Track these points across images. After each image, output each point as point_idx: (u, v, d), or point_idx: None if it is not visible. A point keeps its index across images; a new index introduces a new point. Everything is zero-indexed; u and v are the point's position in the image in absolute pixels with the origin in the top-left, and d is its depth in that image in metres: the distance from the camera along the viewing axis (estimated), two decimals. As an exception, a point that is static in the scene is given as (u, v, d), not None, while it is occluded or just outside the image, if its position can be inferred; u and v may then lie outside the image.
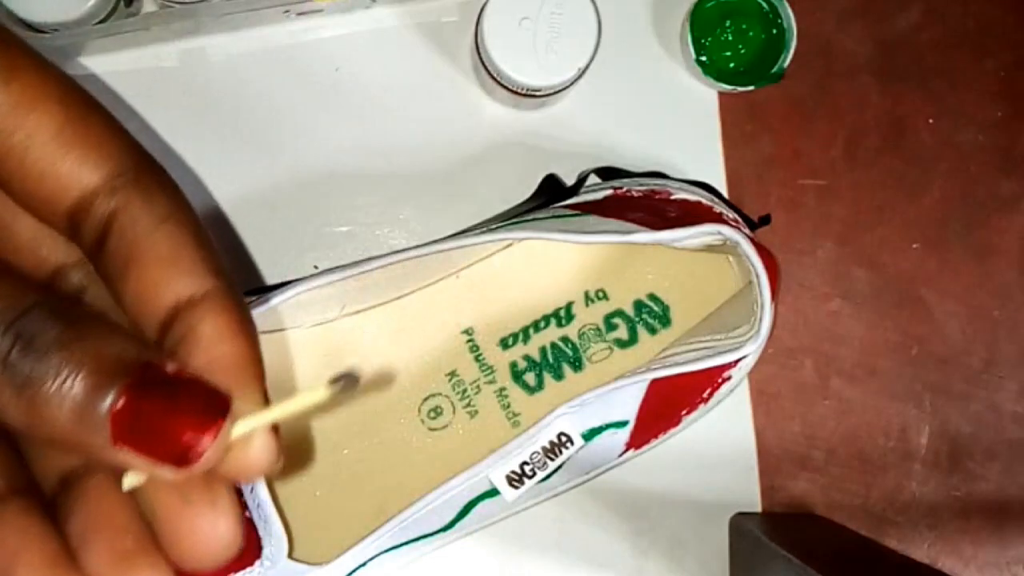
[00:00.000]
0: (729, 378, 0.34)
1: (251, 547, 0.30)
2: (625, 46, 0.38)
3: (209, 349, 0.17)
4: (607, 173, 0.36)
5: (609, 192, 0.35)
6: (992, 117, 0.39)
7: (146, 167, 0.18)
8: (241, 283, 0.35)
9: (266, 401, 0.18)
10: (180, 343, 0.17)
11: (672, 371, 0.32)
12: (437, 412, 0.35)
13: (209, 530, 0.17)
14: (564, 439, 0.32)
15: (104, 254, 0.18)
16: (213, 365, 0.17)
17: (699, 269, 0.36)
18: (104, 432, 0.16)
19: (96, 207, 0.18)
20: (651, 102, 0.38)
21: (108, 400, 0.16)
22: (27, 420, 0.16)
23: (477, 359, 0.35)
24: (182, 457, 0.16)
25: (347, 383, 0.17)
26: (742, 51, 0.37)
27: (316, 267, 0.37)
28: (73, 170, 0.18)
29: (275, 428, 0.17)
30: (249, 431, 0.17)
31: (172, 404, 0.16)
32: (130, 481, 0.17)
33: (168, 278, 0.17)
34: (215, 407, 0.16)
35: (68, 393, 0.16)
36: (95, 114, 0.18)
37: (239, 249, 0.37)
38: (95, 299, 0.19)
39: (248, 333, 0.18)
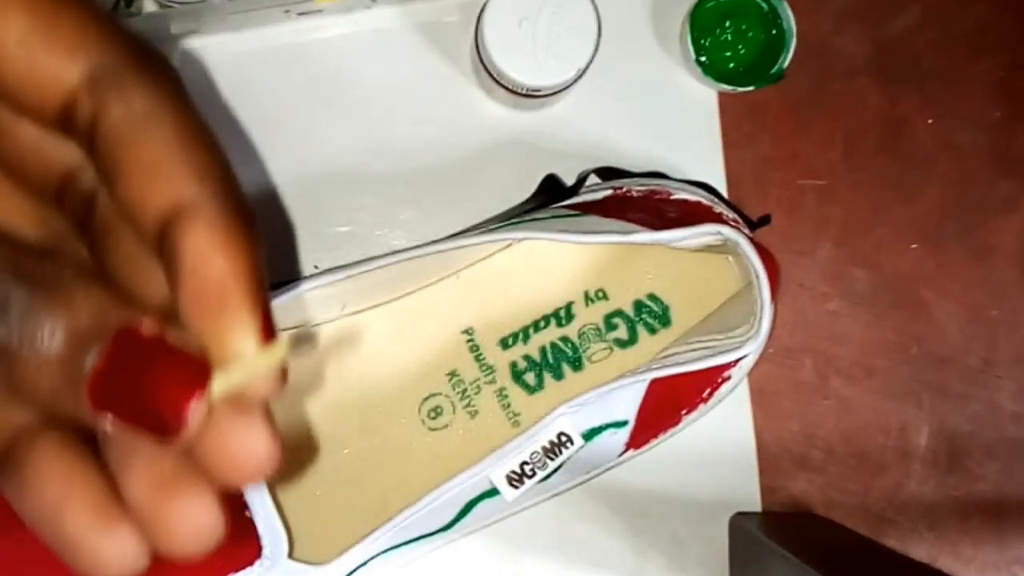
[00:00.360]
0: (729, 378, 0.34)
1: (251, 547, 0.30)
2: (625, 46, 0.38)
3: (192, 270, 0.16)
4: (607, 173, 0.36)
5: (609, 192, 0.35)
6: (990, 118, 0.39)
7: (132, 62, 0.17)
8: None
9: (266, 322, 0.16)
10: (169, 263, 0.16)
11: (672, 371, 0.32)
12: (437, 412, 0.35)
13: (244, 450, 0.16)
14: (564, 439, 0.32)
15: (95, 159, 0.17)
16: (198, 289, 0.16)
17: (699, 269, 0.36)
18: (83, 400, 0.15)
19: (80, 108, 0.17)
20: (651, 102, 0.38)
21: (85, 367, 0.15)
22: (6, 387, 0.15)
23: (477, 359, 0.35)
24: (163, 427, 0.15)
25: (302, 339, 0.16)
26: (742, 51, 0.37)
27: (316, 267, 0.37)
28: (49, 69, 0.16)
29: (283, 371, 0.16)
30: (239, 380, 0.16)
31: (149, 372, 0.15)
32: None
33: (149, 186, 0.16)
34: (195, 374, 0.15)
35: (43, 361, 0.15)
36: (68, 10, 0.17)
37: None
38: (105, 206, 0.18)
39: (239, 246, 0.16)
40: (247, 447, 0.16)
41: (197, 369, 0.16)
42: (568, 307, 0.36)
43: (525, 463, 0.32)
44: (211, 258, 0.16)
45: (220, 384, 0.16)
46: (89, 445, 0.17)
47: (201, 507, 0.17)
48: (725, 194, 0.38)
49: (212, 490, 0.17)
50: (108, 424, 0.15)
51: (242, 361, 0.16)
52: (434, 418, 0.35)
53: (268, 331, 0.16)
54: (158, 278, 0.17)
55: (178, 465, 0.17)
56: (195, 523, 0.17)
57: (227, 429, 0.16)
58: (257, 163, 0.37)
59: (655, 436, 0.34)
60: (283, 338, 0.16)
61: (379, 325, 0.35)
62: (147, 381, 0.15)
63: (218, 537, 0.17)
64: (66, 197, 0.19)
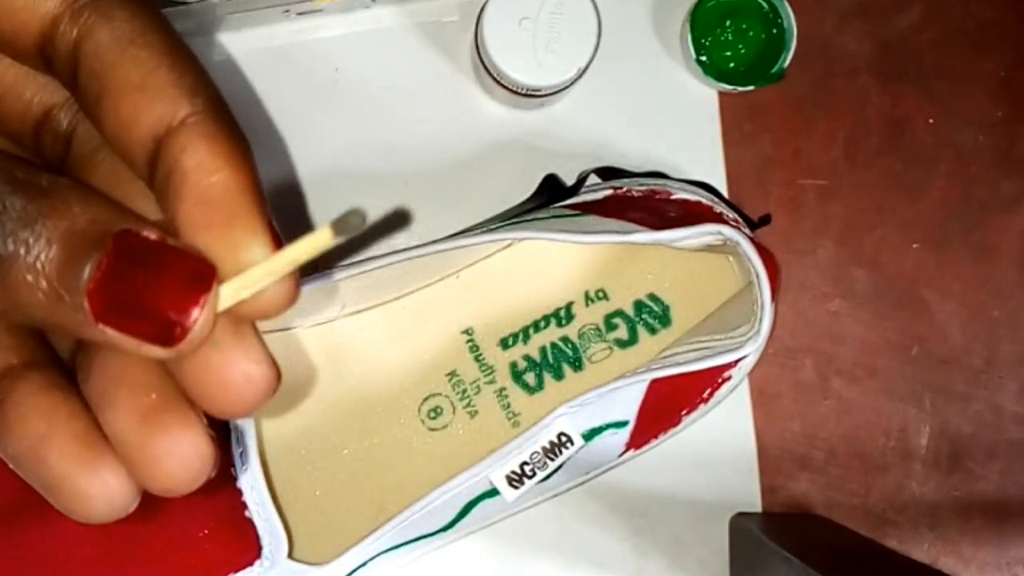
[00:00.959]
0: (729, 378, 0.34)
1: (251, 547, 0.30)
2: (625, 46, 0.38)
3: (195, 183, 0.15)
4: (607, 173, 0.36)
5: (609, 192, 0.35)
6: (992, 117, 0.39)
7: None
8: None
9: (272, 234, 0.16)
10: (167, 182, 0.16)
11: (672, 371, 0.32)
12: (437, 412, 0.35)
13: (242, 375, 0.16)
14: (564, 439, 0.32)
15: (78, 88, 0.16)
16: (202, 201, 0.15)
17: (699, 269, 0.36)
18: (83, 310, 0.15)
19: (60, 36, 0.16)
20: (651, 102, 0.38)
21: (84, 276, 0.14)
22: (3, 303, 0.15)
23: (477, 359, 0.35)
24: (167, 335, 0.15)
25: (353, 222, 0.15)
26: (742, 51, 0.37)
27: (316, 267, 0.37)
28: None
29: (294, 284, 0.16)
30: (249, 290, 0.15)
31: (153, 277, 0.15)
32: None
33: (141, 107, 0.16)
34: (200, 277, 0.15)
35: (41, 271, 0.14)
36: None
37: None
38: (84, 141, 0.18)
39: (238, 158, 0.16)
40: (244, 371, 0.16)
41: (202, 271, 0.15)
42: (568, 307, 0.36)
43: (525, 463, 0.32)
44: (214, 170, 0.15)
45: (228, 294, 0.15)
46: (71, 386, 0.17)
47: (189, 438, 0.16)
48: (725, 194, 0.38)
49: (200, 421, 0.16)
50: (108, 335, 0.15)
51: (252, 271, 0.15)
52: (434, 418, 0.35)
53: (276, 241, 0.16)
54: (141, 209, 0.17)
55: (164, 396, 0.16)
56: (182, 456, 0.16)
57: (225, 352, 0.16)
58: (256, 163, 0.37)
59: (655, 436, 0.34)
60: (292, 252, 0.16)
61: (379, 325, 0.35)
62: (150, 285, 0.15)
63: (207, 471, 0.16)
64: (42, 140, 0.18)
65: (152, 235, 0.15)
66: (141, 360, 0.16)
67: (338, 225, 0.16)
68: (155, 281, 0.15)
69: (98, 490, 0.16)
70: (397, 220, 0.37)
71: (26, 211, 0.15)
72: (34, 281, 0.15)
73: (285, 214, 0.37)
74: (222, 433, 0.29)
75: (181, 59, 0.16)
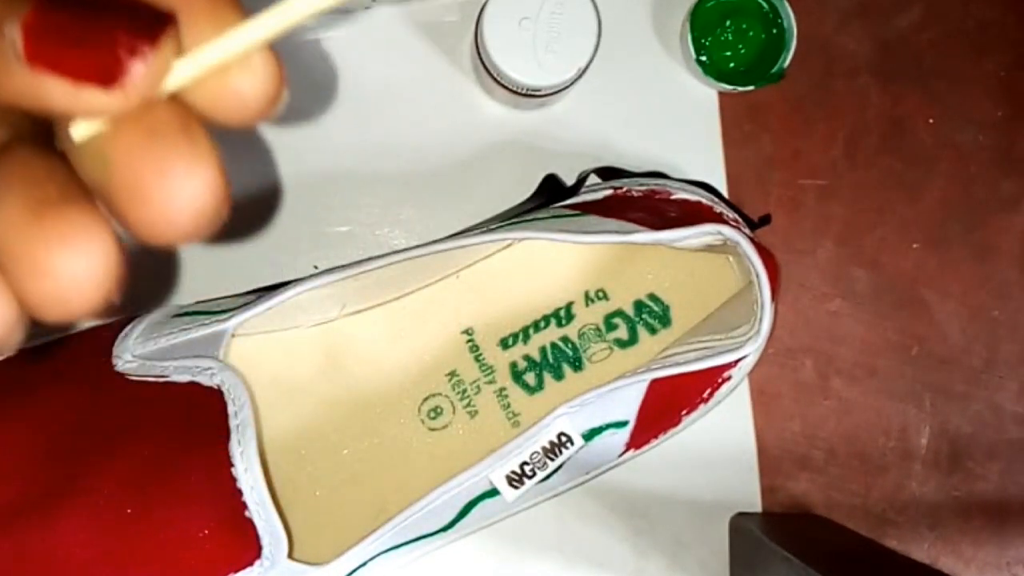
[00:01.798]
0: (729, 378, 0.34)
1: (251, 547, 0.30)
2: (625, 46, 0.38)
3: None
4: (607, 173, 0.36)
5: (609, 192, 0.35)
6: (992, 117, 0.39)
7: None
8: (241, 283, 0.35)
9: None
10: None
11: (672, 371, 0.32)
12: (437, 412, 0.35)
13: (182, 177, 0.13)
14: (564, 439, 0.32)
15: None
16: None
17: (699, 269, 0.36)
18: (17, 49, 0.12)
19: None
20: (651, 102, 0.38)
21: (20, 8, 0.12)
22: None
23: (477, 359, 0.35)
24: (108, 73, 0.12)
25: None
26: (742, 51, 0.37)
27: (316, 267, 0.37)
28: None
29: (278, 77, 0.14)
30: (220, 57, 0.13)
31: (100, 10, 0.13)
32: (81, 130, 0.13)
33: None
34: (154, 16, 0.13)
35: None
36: None
37: (239, 249, 0.37)
38: None
39: None
40: (185, 182, 0.13)
41: (160, 15, 0.13)
42: (568, 307, 0.36)
43: (525, 463, 0.32)
44: None
45: (186, 69, 0.13)
46: None
47: (89, 240, 0.13)
48: (725, 194, 0.38)
49: (107, 225, 0.13)
50: (43, 85, 0.13)
51: (217, 43, 0.13)
52: (434, 418, 0.35)
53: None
54: None
55: (65, 191, 0.13)
56: (79, 263, 0.13)
57: (163, 151, 0.13)
58: (256, 163, 0.37)
59: (655, 436, 0.34)
60: (267, 26, 0.13)
61: (379, 325, 0.35)
62: (95, 19, 0.12)
63: (108, 288, 0.13)
64: None
65: None
66: (47, 161, 0.14)
67: None
68: (99, 13, 0.13)
69: None
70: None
71: None
72: None
73: (285, 214, 0.37)
74: (221, 432, 0.29)
75: None
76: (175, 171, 0.13)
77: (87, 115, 0.13)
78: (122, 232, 0.14)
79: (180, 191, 0.13)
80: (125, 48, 0.12)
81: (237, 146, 0.37)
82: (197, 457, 0.29)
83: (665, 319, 0.36)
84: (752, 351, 0.32)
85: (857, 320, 0.39)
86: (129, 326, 0.33)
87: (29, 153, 0.14)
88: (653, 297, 0.36)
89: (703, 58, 0.37)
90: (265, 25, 0.13)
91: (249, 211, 0.37)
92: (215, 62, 0.13)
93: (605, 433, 0.33)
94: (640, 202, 0.34)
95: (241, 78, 0.14)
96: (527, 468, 0.32)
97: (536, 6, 0.33)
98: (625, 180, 0.36)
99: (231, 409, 0.29)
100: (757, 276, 0.31)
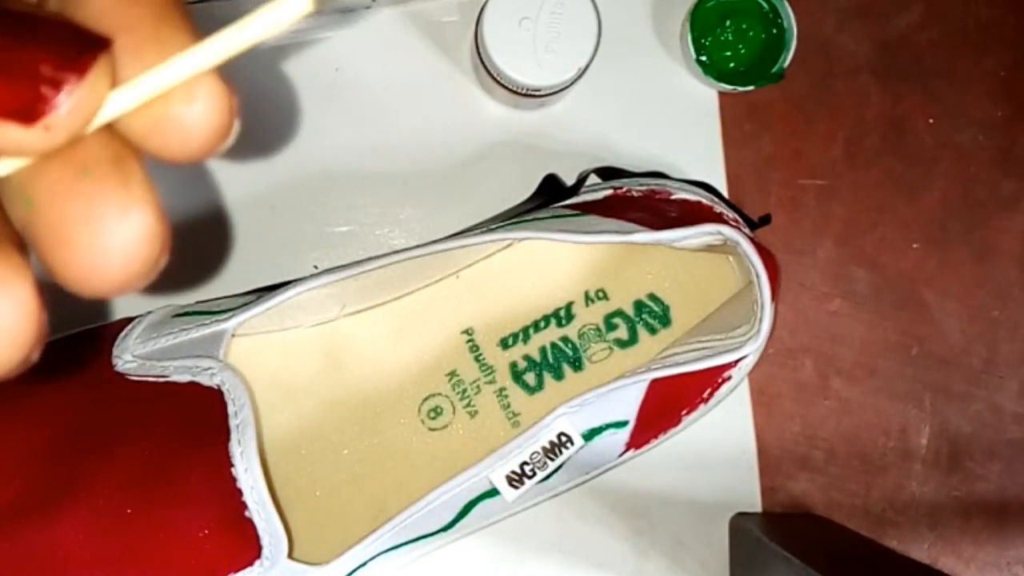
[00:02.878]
0: (729, 378, 0.34)
1: (251, 547, 0.30)
2: (625, 46, 0.38)
3: None
4: (607, 173, 0.36)
5: (609, 192, 0.35)
6: (992, 117, 0.39)
7: None
8: (241, 283, 0.35)
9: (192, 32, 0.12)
10: None
11: (672, 371, 0.32)
12: (437, 412, 0.35)
13: (112, 220, 0.12)
14: (564, 439, 0.32)
15: None
16: None
17: (699, 269, 0.36)
18: None
19: None
20: (651, 102, 0.38)
21: None
22: None
23: (477, 359, 0.35)
24: (28, 108, 0.11)
25: None
26: (742, 51, 0.37)
27: (316, 267, 0.37)
28: None
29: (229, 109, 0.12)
30: (164, 85, 0.11)
31: (22, 38, 0.11)
32: (2, 166, 0.12)
33: None
34: (84, 42, 0.11)
35: None
36: None
37: (239, 249, 0.37)
38: None
39: None
40: (117, 223, 0.12)
41: (92, 38, 0.11)
42: (568, 307, 0.36)
43: (525, 463, 0.32)
44: None
45: (123, 99, 0.12)
46: None
47: (9, 290, 0.12)
48: (725, 194, 0.38)
49: (29, 275, 0.12)
50: None
51: (159, 70, 0.12)
52: (434, 418, 0.35)
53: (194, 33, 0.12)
54: None
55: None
56: None
57: (92, 189, 0.12)
58: (257, 163, 0.37)
59: (655, 436, 0.34)
60: (218, 49, 0.12)
61: (379, 325, 0.35)
62: (17, 49, 0.11)
63: (27, 346, 0.12)
64: None
65: None
66: None
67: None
68: (23, 42, 0.11)
69: None
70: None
71: None
72: None
73: (284, 215, 0.37)
74: (221, 432, 0.29)
75: None
76: (103, 214, 0.12)
77: (6, 153, 0.12)
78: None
79: (109, 237, 0.12)
80: (47, 81, 0.11)
81: (237, 147, 0.37)
82: (197, 457, 0.29)
83: (665, 319, 0.36)
84: (752, 351, 0.32)
85: (857, 320, 0.39)
86: (129, 326, 0.33)
87: None
88: (653, 297, 0.36)
89: (703, 58, 0.37)
90: (215, 48, 0.12)
91: (249, 211, 0.37)
92: (158, 91, 0.12)
93: (605, 433, 0.33)
94: (640, 202, 0.34)
95: (184, 108, 0.12)
96: (527, 468, 0.32)
97: (536, 6, 0.33)
98: (625, 180, 0.36)
99: (231, 409, 0.29)
100: (757, 276, 0.31)
